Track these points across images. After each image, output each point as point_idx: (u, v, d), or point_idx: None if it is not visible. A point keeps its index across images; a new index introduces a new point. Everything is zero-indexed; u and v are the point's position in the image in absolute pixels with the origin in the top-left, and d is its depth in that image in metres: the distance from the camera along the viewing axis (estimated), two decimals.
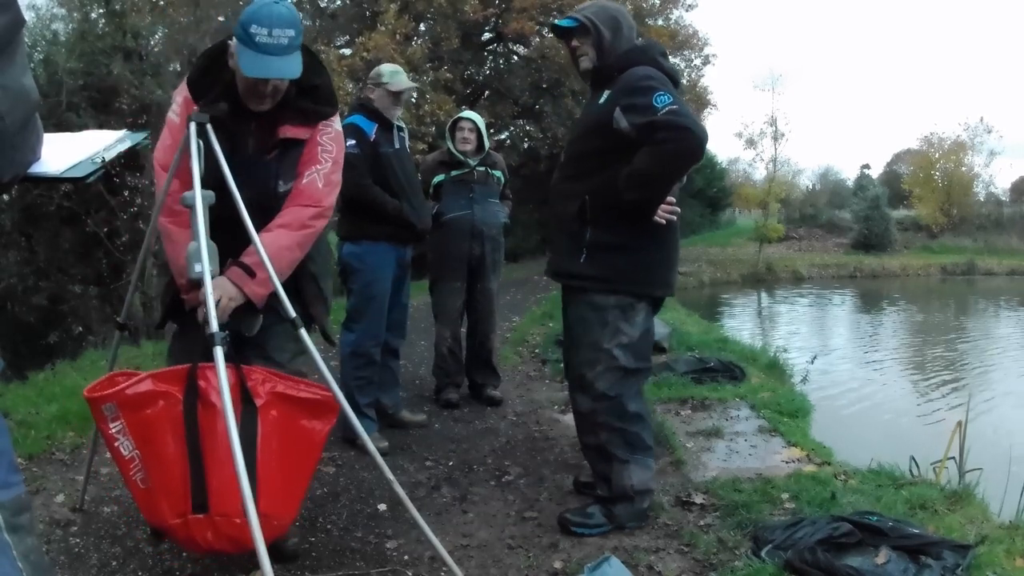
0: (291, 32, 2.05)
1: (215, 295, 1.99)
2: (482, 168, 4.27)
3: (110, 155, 1.34)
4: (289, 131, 2.21)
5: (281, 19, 2.03)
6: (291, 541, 2.43)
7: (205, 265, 1.90)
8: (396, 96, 3.56)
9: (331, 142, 2.30)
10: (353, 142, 3.35)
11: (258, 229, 2.08)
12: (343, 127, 3.39)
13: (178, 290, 2.24)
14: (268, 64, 2.04)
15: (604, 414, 2.60)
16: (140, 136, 1.59)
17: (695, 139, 2.36)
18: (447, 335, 4.34)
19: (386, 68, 3.60)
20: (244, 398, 1.98)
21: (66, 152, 1.25)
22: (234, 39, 2.09)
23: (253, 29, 2.01)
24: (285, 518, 2.07)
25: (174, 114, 2.20)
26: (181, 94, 2.22)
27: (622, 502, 2.63)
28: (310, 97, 2.23)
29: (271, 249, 2.10)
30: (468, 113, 4.41)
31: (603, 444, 2.62)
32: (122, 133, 1.48)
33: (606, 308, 2.56)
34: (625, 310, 2.56)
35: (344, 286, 3.63)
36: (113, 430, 1.92)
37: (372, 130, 3.47)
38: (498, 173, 4.38)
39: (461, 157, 4.21)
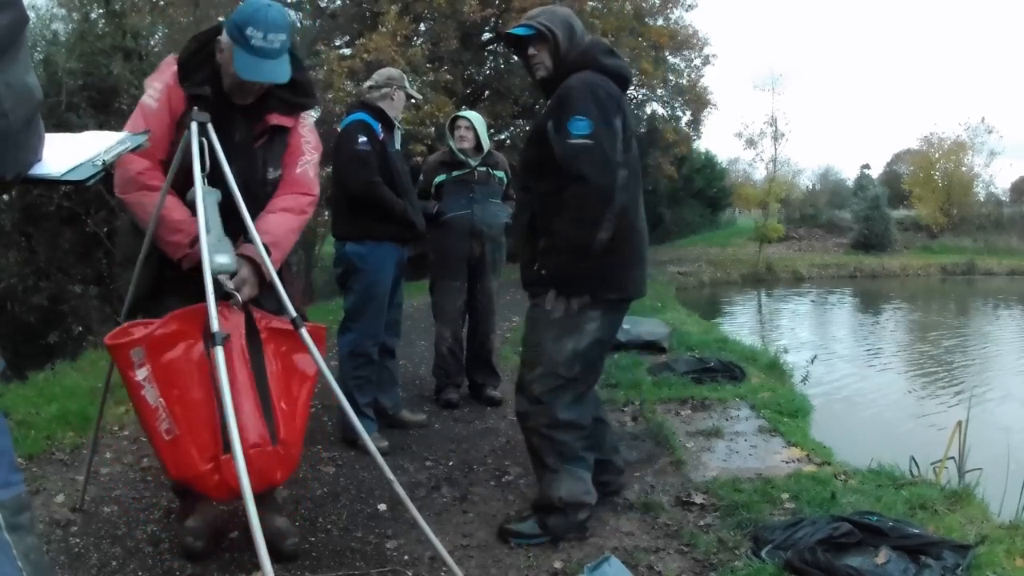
0: (283, 36, 2.12)
1: (246, 289, 2.09)
2: (483, 168, 4.26)
3: (110, 157, 1.34)
4: (276, 119, 2.29)
5: (275, 24, 2.09)
6: (290, 541, 2.42)
7: (205, 264, 1.90)
8: (407, 99, 3.65)
9: (310, 133, 2.41)
10: (365, 139, 3.40)
11: (253, 214, 2.13)
12: (349, 124, 3.49)
13: (155, 277, 2.25)
14: (261, 67, 2.10)
15: (535, 417, 2.54)
16: (141, 138, 1.59)
17: (596, 190, 2.30)
18: (447, 335, 4.34)
19: (400, 73, 3.70)
20: (250, 332, 2.05)
21: (66, 153, 1.25)
22: (225, 35, 2.14)
23: (249, 32, 2.06)
24: (298, 448, 2.13)
25: (151, 99, 2.20)
26: (161, 79, 2.21)
27: (554, 514, 2.55)
28: (290, 90, 2.29)
29: (280, 231, 2.21)
30: (466, 112, 4.41)
31: (536, 448, 2.58)
32: (123, 135, 1.49)
33: (553, 311, 2.48)
34: (575, 315, 2.47)
35: (343, 286, 3.63)
36: (139, 377, 1.93)
37: (379, 129, 3.49)
38: (500, 173, 4.37)
39: (462, 157, 4.21)
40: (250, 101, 2.24)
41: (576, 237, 2.36)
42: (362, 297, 3.49)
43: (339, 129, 3.59)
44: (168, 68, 2.25)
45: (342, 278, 3.57)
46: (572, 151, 2.32)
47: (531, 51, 2.56)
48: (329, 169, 4.52)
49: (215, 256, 1.92)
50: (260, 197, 2.27)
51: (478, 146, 4.27)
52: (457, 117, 4.32)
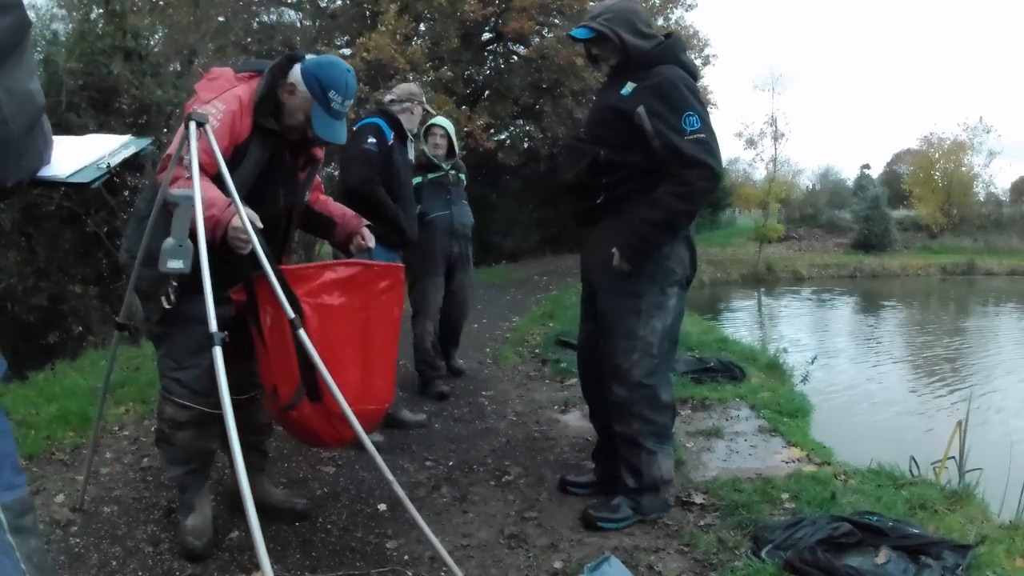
0: (352, 102, 2.34)
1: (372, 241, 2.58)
2: (453, 172, 4.56)
3: (115, 161, 1.34)
4: (317, 152, 2.54)
5: (353, 91, 2.31)
6: (300, 503, 2.71)
7: (204, 264, 1.90)
8: (425, 116, 3.96)
9: None
10: (373, 140, 3.62)
11: (287, 233, 2.52)
12: (364, 125, 3.73)
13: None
14: (335, 128, 2.31)
15: (639, 404, 2.65)
16: (145, 142, 1.60)
17: (715, 177, 2.52)
18: (430, 329, 4.46)
19: (421, 90, 4.01)
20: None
21: (71, 156, 1.25)
22: (302, 83, 2.27)
23: (332, 95, 2.26)
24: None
25: (212, 118, 2.16)
26: (227, 103, 2.22)
27: (649, 493, 2.69)
28: None
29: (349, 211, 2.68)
30: (440, 120, 4.57)
31: (635, 434, 2.67)
32: (127, 138, 1.49)
33: (640, 296, 2.62)
34: (657, 295, 2.63)
35: None
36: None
37: (391, 136, 3.69)
38: (463, 176, 4.74)
39: (436, 161, 4.46)
40: (298, 138, 2.40)
41: (681, 211, 2.53)
42: None
43: (354, 128, 3.72)
44: (230, 87, 2.28)
45: None
46: (692, 147, 2.47)
47: (594, 51, 2.72)
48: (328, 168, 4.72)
49: (169, 260, 1.95)
50: (296, 217, 2.53)
51: (449, 151, 4.52)
52: (432, 125, 4.50)
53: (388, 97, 3.99)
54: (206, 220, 2.10)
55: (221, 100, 2.24)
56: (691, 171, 2.48)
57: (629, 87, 2.58)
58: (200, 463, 2.44)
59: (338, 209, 2.66)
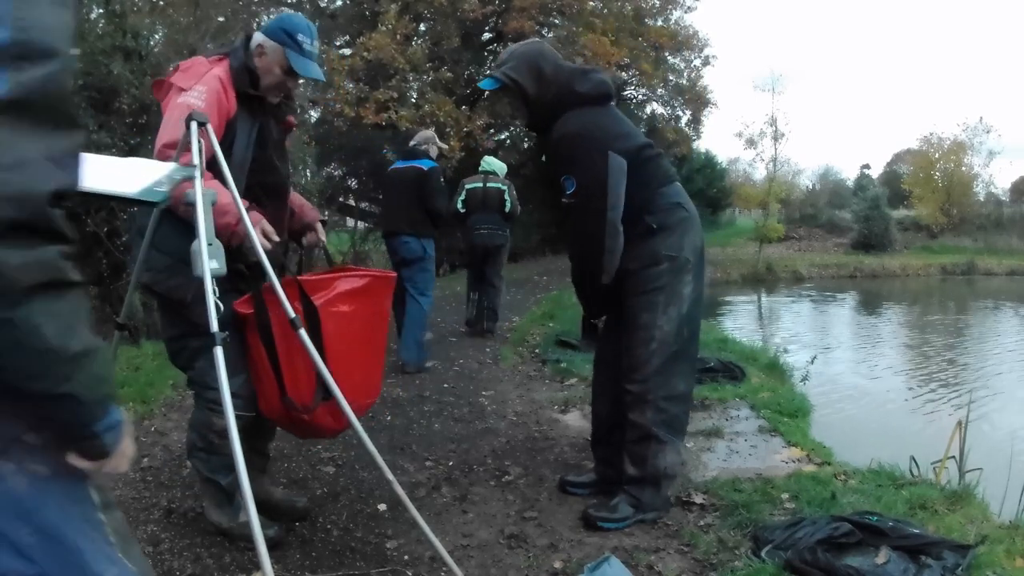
0: (319, 44, 2.45)
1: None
2: None
3: (170, 188, 1.49)
4: (292, 121, 2.59)
5: (315, 33, 2.41)
6: (301, 502, 2.73)
7: (205, 265, 1.90)
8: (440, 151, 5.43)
9: None
10: (442, 179, 5.51)
11: (282, 208, 2.51)
12: (433, 168, 5.28)
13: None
14: (311, 67, 2.38)
15: (654, 390, 2.63)
16: (192, 170, 1.79)
17: (587, 239, 2.58)
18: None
19: (433, 134, 5.83)
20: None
21: (134, 175, 1.39)
22: (267, 40, 2.35)
23: (301, 38, 2.34)
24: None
25: (198, 100, 2.18)
26: (206, 84, 2.22)
27: (650, 487, 2.67)
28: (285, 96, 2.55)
29: (306, 203, 2.69)
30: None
31: (647, 423, 2.64)
32: (172, 166, 1.66)
33: (660, 289, 2.61)
34: (675, 284, 2.62)
35: (414, 267, 5.35)
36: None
37: None
38: None
39: None
40: (276, 102, 2.45)
41: (586, 266, 2.65)
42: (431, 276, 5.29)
43: (426, 169, 5.18)
44: (207, 71, 2.28)
45: (413, 262, 5.16)
46: (567, 209, 2.61)
47: (508, 99, 2.81)
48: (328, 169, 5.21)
49: (207, 261, 1.93)
50: (288, 190, 2.57)
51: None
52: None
53: (412, 142, 5.40)
54: (222, 227, 2.13)
55: (202, 83, 2.25)
56: (574, 229, 2.64)
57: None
58: (250, 464, 2.43)
59: (296, 198, 2.68)
